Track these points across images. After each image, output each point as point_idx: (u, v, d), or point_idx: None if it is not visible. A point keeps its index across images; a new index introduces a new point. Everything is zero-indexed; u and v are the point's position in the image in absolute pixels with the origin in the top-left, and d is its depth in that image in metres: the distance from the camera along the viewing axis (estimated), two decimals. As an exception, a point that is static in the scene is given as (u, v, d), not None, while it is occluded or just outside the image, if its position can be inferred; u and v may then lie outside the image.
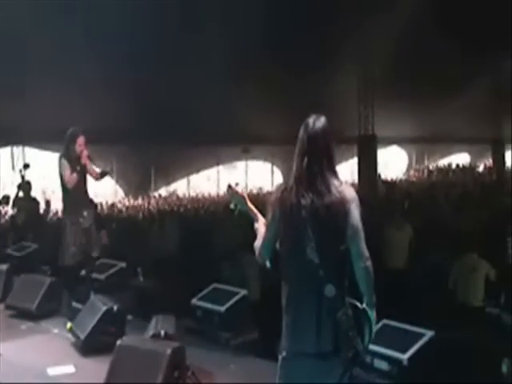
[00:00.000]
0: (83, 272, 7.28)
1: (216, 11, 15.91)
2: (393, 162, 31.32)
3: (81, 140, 6.97)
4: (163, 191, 25.23)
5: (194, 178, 26.36)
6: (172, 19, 15.55)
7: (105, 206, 19.89)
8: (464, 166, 31.56)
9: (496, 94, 23.49)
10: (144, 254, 10.74)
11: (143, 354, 4.87)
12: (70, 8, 13.92)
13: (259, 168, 27.58)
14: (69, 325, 6.48)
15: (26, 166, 12.37)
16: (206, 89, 17.66)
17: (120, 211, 20.47)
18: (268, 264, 3.24)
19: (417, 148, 31.72)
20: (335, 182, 3.07)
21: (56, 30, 14.25)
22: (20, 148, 19.02)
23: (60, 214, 18.86)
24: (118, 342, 5.00)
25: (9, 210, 13.39)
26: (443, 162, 32.85)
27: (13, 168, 17.94)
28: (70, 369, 5.59)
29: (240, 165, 26.99)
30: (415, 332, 5.40)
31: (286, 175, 26.26)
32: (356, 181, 22.19)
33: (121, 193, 24.11)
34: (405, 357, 5.13)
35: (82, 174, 6.99)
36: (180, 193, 25.65)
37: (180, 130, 18.82)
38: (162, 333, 5.29)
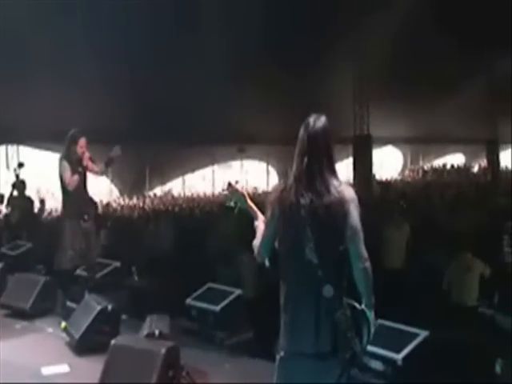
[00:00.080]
0: (78, 271, 7.28)
1: (212, 12, 15.90)
2: (388, 162, 31.38)
3: (82, 142, 6.93)
4: (158, 191, 25.22)
5: (189, 177, 26.37)
6: (169, 19, 15.55)
7: (100, 206, 19.86)
8: (459, 167, 31.65)
9: (491, 95, 23.55)
10: (139, 253, 10.72)
11: (137, 354, 4.86)
12: (67, 8, 13.90)
13: (254, 168, 27.60)
14: (63, 324, 6.46)
15: (21, 165, 12.34)
16: (202, 89, 17.66)
17: (115, 210, 20.46)
18: (267, 263, 3.23)
19: (412, 148, 31.80)
20: (335, 182, 3.06)
21: (54, 29, 14.22)
22: (14, 147, 18.97)
23: (54, 213, 18.91)
24: (113, 342, 4.99)
25: (3, 208, 13.34)
26: (438, 163, 32.94)
27: (7, 167, 17.88)
28: (64, 368, 5.57)
29: (235, 164, 26.99)
30: (409, 332, 5.41)
31: (281, 175, 26.32)
32: (351, 181, 22.21)
33: (116, 192, 24.10)
34: (399, 357, 5.14)
35: (83, 175, 6.96)
36: (175, 192, 25.65)
37: (175, 130, 18.83)
38: (157, 332, 5.28)
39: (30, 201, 12.29)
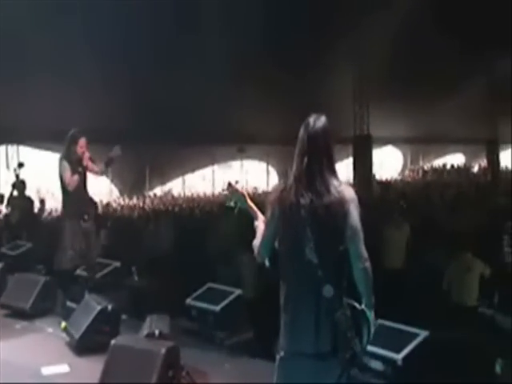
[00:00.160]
0: (78, 271, 7.28)
1: (212, 11, 15.90)
2: (388, 162, 31.38)
3: (82, 142, 6.92)
4: (158, 191, 25.22)
5: (189, 177, 26.36)
6: (169, 19, 15.54)
7: (100, 206, 19.86)
8: (459, 167, 31.64)
9: (491, 95, 23.55)
10: (139, 253, 10.72)
11: (137, 354, 4.86)
12: (67, 8, 13.89)
13: (254, 168, 27.60)
14: (63, 324, 6.46)
15: (21, 165, 12.35)
16: (202, 89, 17.66)
17: (115, 210, 20.46)
18: (267, 263, 3.23)
19: (412, 148, 31.80)
20: (335, 182, 3.06)
21: (54, 29, 14.21)
22: (15, 147, 18.97)
23: (54, 213, 18.91)
24: (113, 342, 4.99)
25: (3, 208, 13.35)
26: (438, 163, 32.94)
27: (7, 167, 17.89)
28: (64, 368, 5.57)
29: (235, 164, 26.99)
30: (409, 332, 5.41)
31: (281, 175, 26.31)
32: (351, 181, 22.20)
33: (116, 192, 24.10)
34: (399, 357, 5.14)
35: (83, 175, 6.95)
36: (175, 192, 25.65)
37: (175, 130, 18.83)
38: (157, 332, 5.28)
39: (29, 201, 12.30)
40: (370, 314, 3.07)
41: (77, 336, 6.01)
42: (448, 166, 31.70)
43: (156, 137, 18.82)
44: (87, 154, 6.88)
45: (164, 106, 17.81)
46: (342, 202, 3.00)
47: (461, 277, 7.55)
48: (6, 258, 9.78)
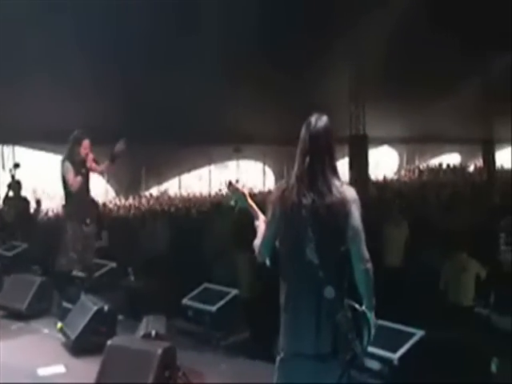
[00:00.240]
0: (73, 272, 7.27)
1: (209, 12, 15.89)
2: (384, 162, 31.41)
3: (86, 143, 6.87)
4: (155, 191, 25.19)
5: (185, 177, 26.34)
6: (164, 18, 15.53)
7: (97, 206, 19.83)
8: (455, 166, 31.68)
9: (487, 94, 23.59)
10: (135, 253, 10.71)
11: (134, 354, 4.86)
12: (61, 7, 13.86)
13: (251, 168, 27.59)
14: (59, 325, 6.45)
15: (17, 166, 12.33)
16: (198, 89, 17.65)
17: (111, 211, 20.44)
18: (268, 262, 3.21)
19: (408, 148, 31.83)
20: (336, 183, 3.05)
21: (49, 30, 14.18)
22: (10, 147, 18.94)
23: (50, 213, 18.87)
24: (109, 342, 4.99)
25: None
26: (434, 162, 32.99)
27: (3, 167, 17.85)
28: (60, 369, 5.57)
29: (232, 164, 26.98)
30: (406, 331, 5.41)
31: (277, 175, 26.32)
32: (347, 181, 22.22)
33: (111, 192, 24.06)
34: (395, 356, 5.14)
35: (86, 177, 6.91)
36: (171, 192, 25.62)
37: (172, 130, 18.80)
38: (153, 333, 5.29)
39: (25, 201, 12.29)
40: (371, 316, 3.06)
41: (73, 337, 6.00)
42: (444, 166, 31.75)
43: (152, 137, 18.78)
44: (91, 156, 6.83)
45: (160, 106, 17.79)
46: (343, 203, 3.00)
47: (457, 277, 7.56)
48: (1, 258, 9.79)
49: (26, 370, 5.48)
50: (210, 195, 24.90)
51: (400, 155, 32.45)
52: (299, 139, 3.14)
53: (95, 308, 6.04)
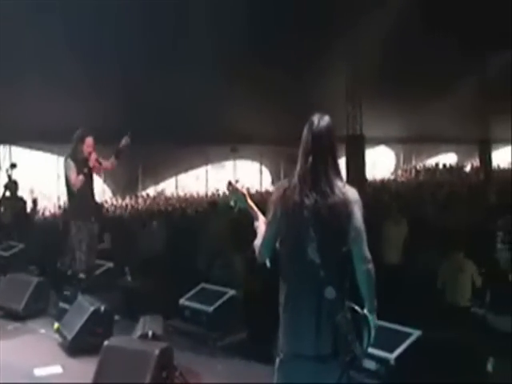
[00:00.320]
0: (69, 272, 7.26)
1: (205, 10, 15.89)
2: (381, 162, 31.45)
3: (89, 141, 6.82)
4: (151, 191, 25.17)
5: (182, 177, 26.32)
6: (161, 19, 15.51)
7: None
8: (451, 166, 31.73)
9: (483, 94, 23.63)
10: (132, 253, 10.70)
11: (131, 355, 4.87)
12: (59, 5, 13.84)
13: (248, 168, 27.59)
14: (56, 325, 6.45)
15: (13, 166, 12.32)
16: (195, 88, 17.63)
17: (107, 210, 20.41)
18: (268, 263, 3.19)
19: (404, 148, 31.87)
20: (339, 183, 3.04)
21: (49, 29, 14.16)
22: (7, 147, 18.91)
23: (47, 213, 18.85)
24: (106, 343, 4.99)
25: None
26: (431, 162, 33.04)
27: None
28: (57, 369, 5.57)
29: (228, 164, 26.98)
30: (402, 331, 5.41)
31: (274, 175, 26.33)
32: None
33: (108, 192, 24.03)
34: (392, 356, 5.14)
35: (89, 176, 6.85)
36: (168, 192, 25.61)
37: (169, 130, 18.78)
38: (150, 333, 5.28)
39: (22, 201, 12.27)
40: (372, 318, 3.07)
41: (70, 337, 6.00)
42: (440, 166, 31.80)
43: (149, 137, 18.74)
44: (94, 156, 6.77)
45: (158, 106, 17.78)
46: (345, 203, 2.99)
47: (454, 277, 7.57)
48: (-2, 258, 9.77)
49: (23, 370, 5.48)
50: (206, 195, 24.89)
51: (397, 155, 32.50)
52: (301, 139, 3.12)
53: (92, 308, 6.04)
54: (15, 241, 10.62)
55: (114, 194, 23.99)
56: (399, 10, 18.31)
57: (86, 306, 6.16)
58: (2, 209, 11.94)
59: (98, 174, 7.15)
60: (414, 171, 31.51)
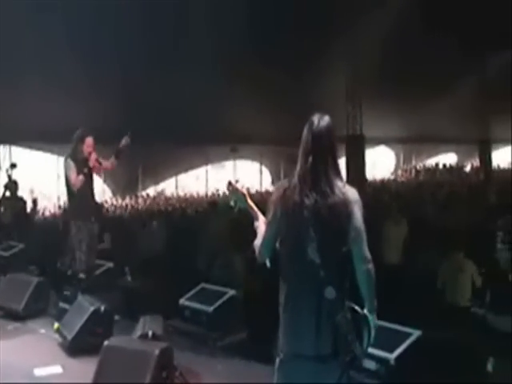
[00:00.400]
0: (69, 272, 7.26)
1: (205, 10, 15.88)
2: (381, 162, 31.45)
3: (89, 141, 6.82)
4: (151, 191, 25.17)
5: (182, 177, 26.32)
6: (161, 19, 15.51)
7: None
8: (451, 166, 31.73)
9: (483, 94, 23.63)
10: (132, 253, 10.70)
11: (131, 355, 4.86)
12: (59, 5, 13.84)
13: (248, 168, 27.59)
14: (56, 325, 6.45)
15: (13, 166, 12.32)
16: (195, 88, 17.63)
17: (107, 210, 20.41)
18: (268, 263, 3.19)
19: (404, 148, 31.87)
20: (339, 183, 3.04)
21: (48, 28, 14.15)
22: (7, 147, 18.92)
23: (47, 213, 18.84)
24: (106, 343, 4.99)
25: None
26: (430, 162, 33.03)
27: None
28: (57, 369, 5.57)
29: (228, 164, 26.97)
30: (402, 331, 5.41)
31: (274, 175, 26.32)
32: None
33: (108, 192, 24.04)
34: (392, 356, 5.14)
35: (89, 176, 6.85)
36: (168, 192, 25.61)
37: (169, 130, 18.78)
38: (150, 333, 5.28)
39: (22, 201, 12.27)
40: (372, 318, 3.07)
41: (70, 337, 6.00)
42: (440, 166, 31.80)
43: (149, 137, 18.74)
44: (94, 156, 6.77)
45: (158, 106, 17.78)
46: (345, 203, 2.99)
47: (454, 277, 7.57)
48: (-2, 258, 9.77)
49: (23, 370, 5.48)
50: (206, 195, 24.88)
51: (397, 155, 32.50)
52: (301, 139, 3.12)
53: (92, 308, 6.04)
54: (15, 241, 10.62)
55: (114, 194, 23.99)
56: (399, 10, 18.32)
57: (85, 306, 6.16)
58: (2, 209, 11.94)
59: (98, 174, 7.12)
60: (414, 171, 31.51)
